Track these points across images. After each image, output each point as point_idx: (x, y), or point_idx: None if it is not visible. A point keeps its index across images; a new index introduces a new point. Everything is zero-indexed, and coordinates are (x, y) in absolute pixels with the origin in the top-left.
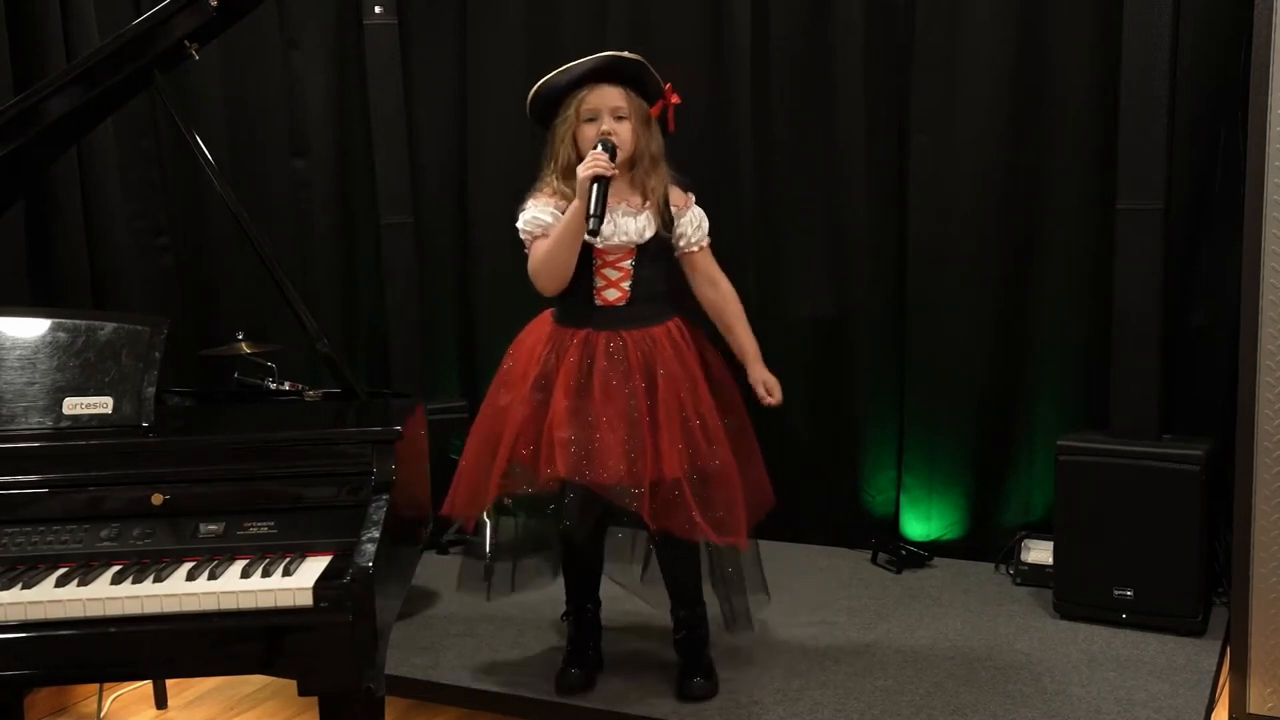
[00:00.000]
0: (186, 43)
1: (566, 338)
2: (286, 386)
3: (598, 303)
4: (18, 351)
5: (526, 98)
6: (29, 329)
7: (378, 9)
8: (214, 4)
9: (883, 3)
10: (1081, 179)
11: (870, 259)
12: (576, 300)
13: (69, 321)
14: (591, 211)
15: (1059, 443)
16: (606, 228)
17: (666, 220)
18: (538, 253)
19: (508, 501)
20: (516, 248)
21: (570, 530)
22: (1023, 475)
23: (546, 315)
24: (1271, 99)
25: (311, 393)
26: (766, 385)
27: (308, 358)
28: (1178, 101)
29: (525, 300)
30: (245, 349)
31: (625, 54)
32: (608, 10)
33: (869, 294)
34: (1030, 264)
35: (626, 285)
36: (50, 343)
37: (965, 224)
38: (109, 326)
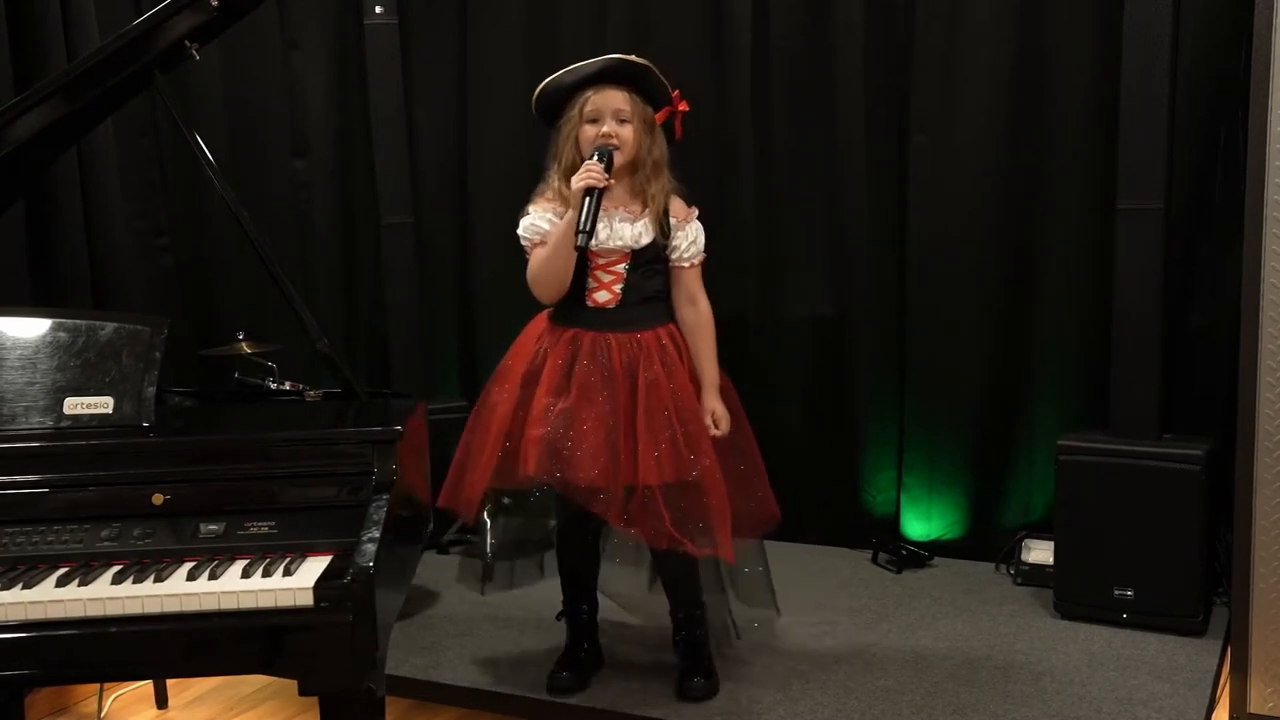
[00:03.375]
0: (187, 43)
1: (556, 336)
2: (287, 386)
3: (588, 304)
4: (18, 351)
5: (532, 95)
6: (29, 329)
7: (378, 9)
8: (214, 4)
9: (883, 3)
10: (1081, 179)
11: (870, 259)
12: (569, 300)
13: (69, 321)
14: (581, 227)
15: (1059, 443)
16: (603, 231)
17: (665, 229)
18: (535, 261)
19: (507, 501)
20: (516, 247)
21: (564, 531)
22: (1023, 475)
23: (543, 315)
24: (1271, 99)
25: (312, 393)
26: (714, 416)
27: (308, 358)
28: (1178, 101)
29: (525, 300)
30: (245, 349)
31: (633, 58)
32: (608, 10)
33: (869, 294)
34: (1030, 264)
35: (618, 288)
36: (51, 343)
37: (965, 224)
38: (109, 326)
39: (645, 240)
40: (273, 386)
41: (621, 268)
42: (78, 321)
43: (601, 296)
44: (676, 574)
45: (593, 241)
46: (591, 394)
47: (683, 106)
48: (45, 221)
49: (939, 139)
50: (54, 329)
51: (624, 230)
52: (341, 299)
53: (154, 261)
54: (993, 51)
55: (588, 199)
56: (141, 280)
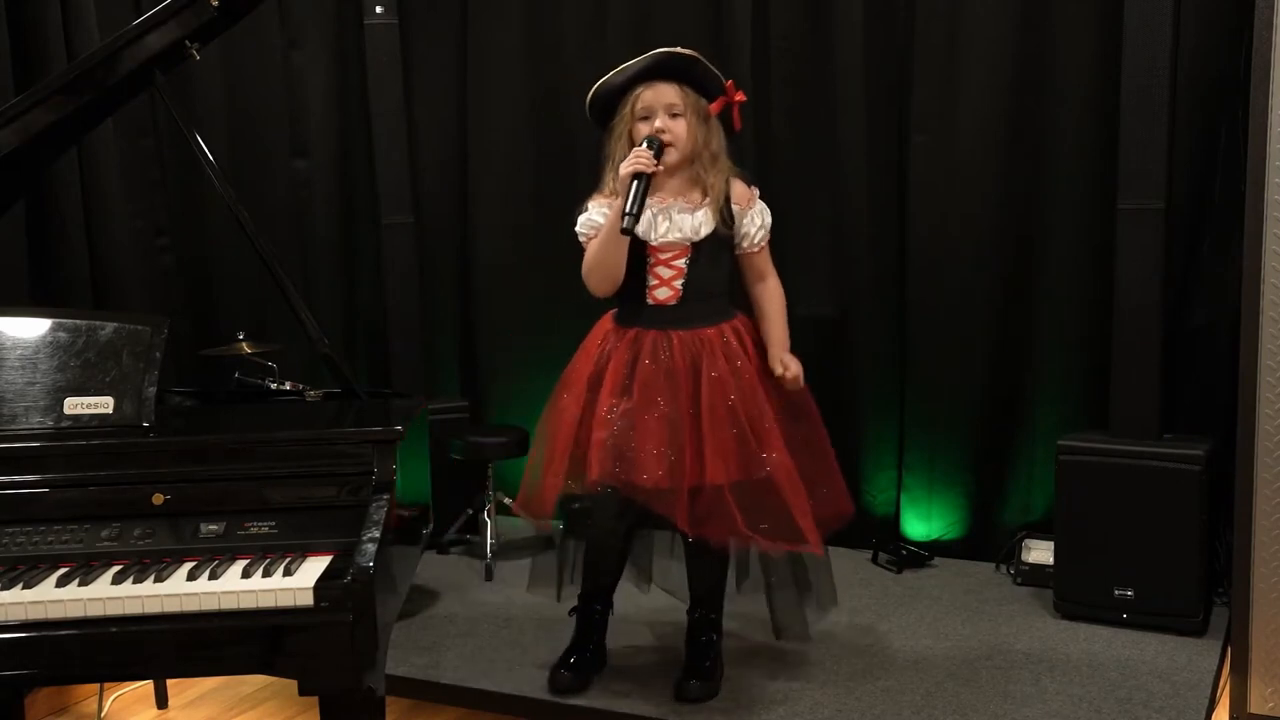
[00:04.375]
0: (187, 43)
1: (619, 336)
2: (287, 386)
3: (649, 302)
4: (18, 351)
5: (586, 100)
6: (29, 329)
7: (378, 9)
8: (214, 4)
9: (883, 3)
10: (1081, 179)
11: (870, 259)
12: (630, 299)
13: (69, 321)
14: (628, 210)
15: (1059, 443)
16: (661, 224)
17: (726, 218)
18: (588, 253)
19: (577, 506)
20: (516, 247)
21: (597, 533)
22: (1023, 475)
23: (608, 315)
24: (1272, 99)
25: (312, 393)
26: (784, 361)
27: (308, 358)
28: (1178, 101)
29: (525, 300)
30: (246, 349)
31: (680, 50)
32: (608, 10)
33: (869, 294)
34: (1030, 263)
35: (679, 284)
36: (51, 343)
37: (965, 224)
38: (109, 326)
39: (705, 231)
40: (273, 386)
41: (682, 262)
42: (78, 321)
43: (662, 294)
44: (709, 579)
45: (653, 236)
46: (654, 394)
47: (740, 96)
48: (45, 221)
49: (939, 139)
50: (54, 329)
51: (684, 221)
52: (341, 299)
53: (154, 261)
54: (993, 51)
55: (635, 183)
56: (141, 280)
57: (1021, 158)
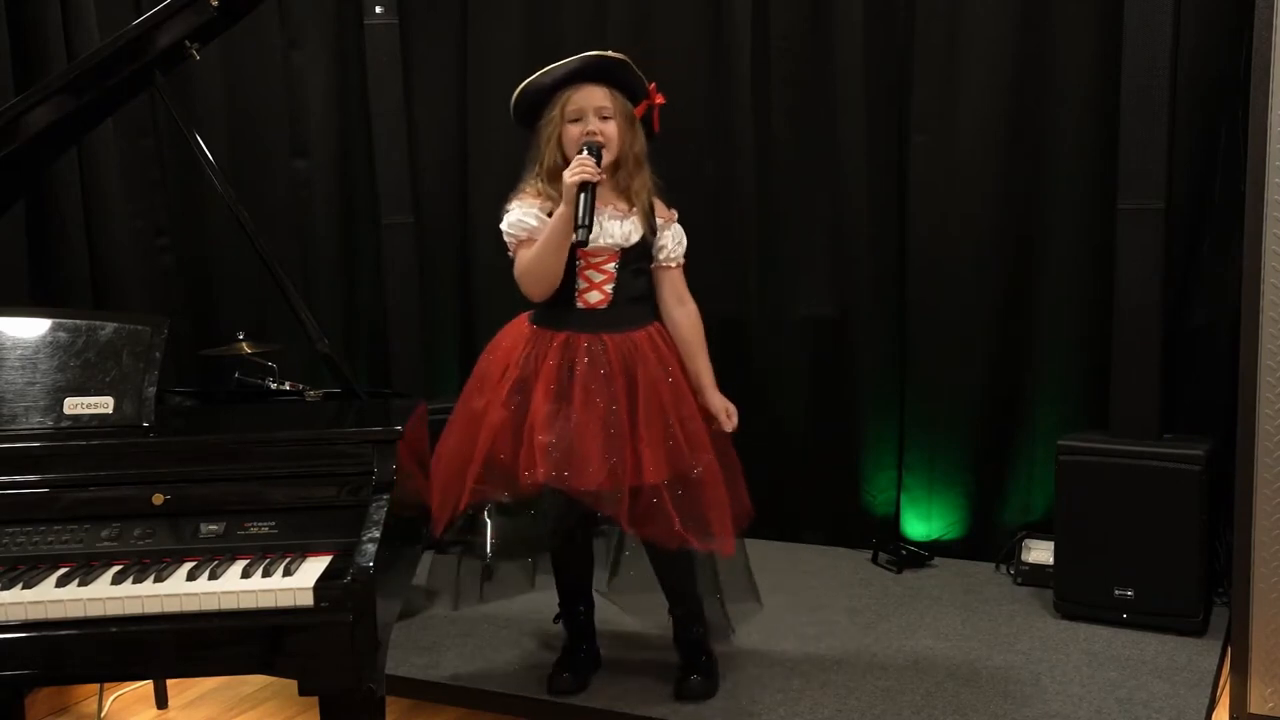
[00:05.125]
0: (187, 43)
1: (546, 340)
2: (287, 386)
3: (579, 305)
4: (18, 351)
5: (510, 100)
6: (29, 329)
7: (378, 9)
8: (214, 4)
9: (883, 3)
10: (1081, 179)
11: (870, 259)
12: (557, 302)
13: (69, 321)
14: (580, 221)
15: (1059, 443)
16: (593, 229)
17: (651, 226)
18: (524, 258)
19: (506, 497)
20: None
21: (551, 534)
22: (1023, 475)
23: (523, 318)
24: (1272, 99)
25: (312, 393)
26: (727, 410)
27: (308, 358)
28: (1178, 101)
29: (525, 300)
30: (246, 349)
31: (609, 53)
32: (608, 10)
33: (869, 294)
34: (1030, 263)
35: (609, 288)
36: (51, 343)
37: (965, 224)
38: (109, 326)
39: (635, 238)
40: (273, 386)
41: (612, 267)
42: (78, 321)
43: (593, 297)
44: (676, 574)
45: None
46: (594, 397)
47: (660, 99)
48: (45, 221)
49: (939, 139)
50: (54, 329)
51: (614, 228)
52: (341, 299)
53: (154, 261)
54: (993, 51)
55: (583, 194)
56: (141, 280)
57: (1021, 158)
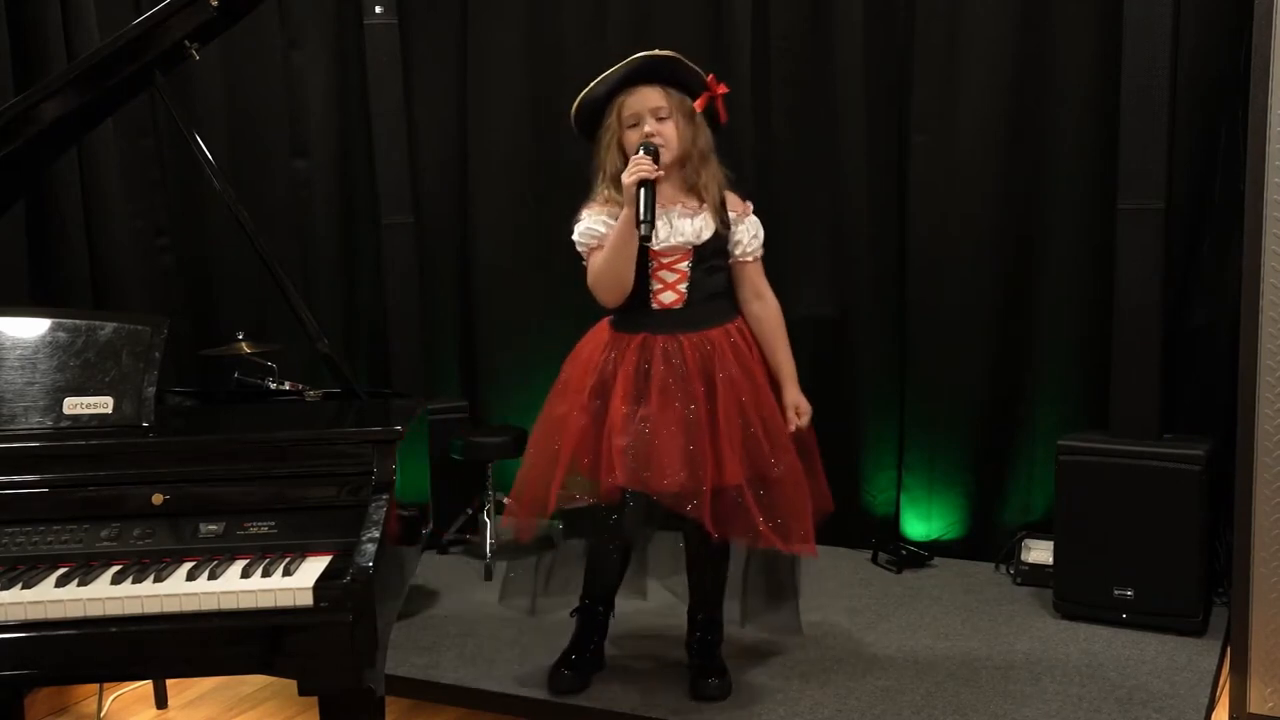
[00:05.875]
0: (187, 43)
1: (623, 343)
2: (287, 386)
3: (654, 306)
4: (18, 351)
5: (570, 113)
6: (29, 329)
7: (378, 9)
8: (214, 4)
9: (883, 3)
10: (1081, 179)
11: (870, 259)
12: (633, 305)
13: (69, 321)
14: (642, 217)
15: (1059, 443)
16: (663, 229)
17: (724, 220)
18: (594, 264)
19: (578, 497)
20: (516, 247)
21: (628, 537)
22: (1023, 475)
23: (604, 323)
24: (1271, 99)
25: (312, 393)
26: (798, 409)
27: (308, 358)
28: (1178, 101)
29: (525, 300)
30: (245, 349)
31: (658, 52)
32: (608, 10)
33: (869, 294)
34: (1030, 263)
35: (683, 288)
36: (50, 343)
37: (965, 224)
38: (109, 326)
39: (707, 234)
40: (273, 386)
41: (685, 265)
42: (77, 321)
43: (667, 297)
44: (708, 578)
45: (655, 236)
46: (671, 398)
47: (721, 89)
48: (45, 221)
49: (939, 139)
50: (54, 329)
51: (684, 226)
52: (341, 299)
53: (154, 261)
54: (993, 51)
55: (642, 190)
56: (141, 280)
57: (1021, 158)
